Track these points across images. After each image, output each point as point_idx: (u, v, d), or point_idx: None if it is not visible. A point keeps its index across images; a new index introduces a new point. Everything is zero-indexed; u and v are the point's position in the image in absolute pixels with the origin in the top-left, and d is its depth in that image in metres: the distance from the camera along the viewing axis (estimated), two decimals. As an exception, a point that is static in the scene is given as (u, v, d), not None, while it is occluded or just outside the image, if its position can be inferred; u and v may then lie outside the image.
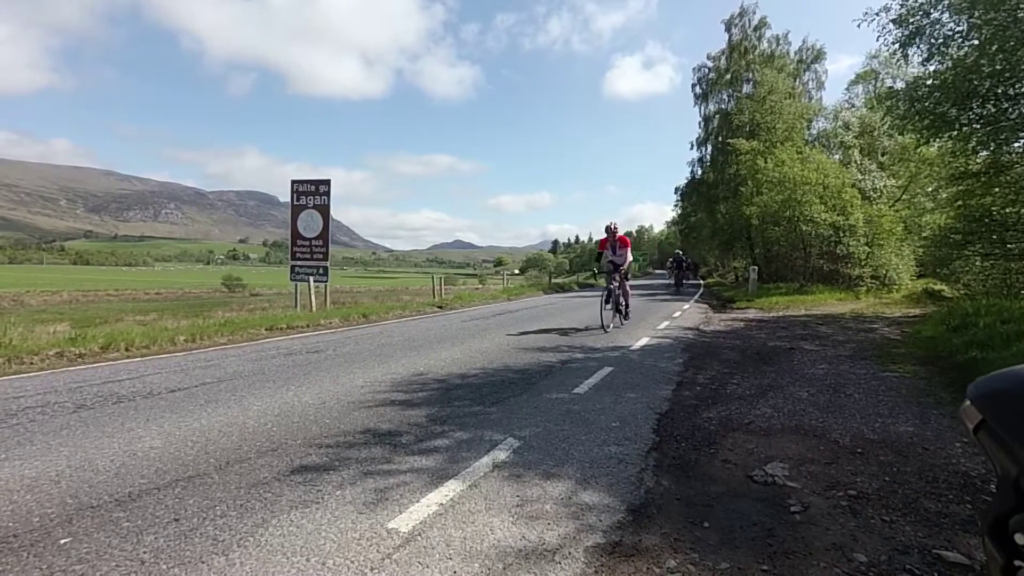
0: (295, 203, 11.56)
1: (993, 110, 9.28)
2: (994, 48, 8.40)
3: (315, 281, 11.39)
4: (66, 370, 5.20)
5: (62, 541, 1.93)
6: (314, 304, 11.23)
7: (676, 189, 36.19)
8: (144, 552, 1.86)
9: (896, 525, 2.17)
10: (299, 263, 11.55)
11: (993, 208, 10.57)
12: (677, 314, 12.15)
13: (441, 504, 2.29)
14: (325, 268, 11.51)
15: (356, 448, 3.00)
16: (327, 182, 11.57)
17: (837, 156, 23.36)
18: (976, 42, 8.79)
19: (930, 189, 19.80)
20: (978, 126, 9.66)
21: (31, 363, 5.43)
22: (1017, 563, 0.97)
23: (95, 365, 5.47)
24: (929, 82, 9.94)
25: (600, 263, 9.29)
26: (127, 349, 6.26)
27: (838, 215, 18.11)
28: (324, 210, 11.49)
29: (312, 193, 11.51)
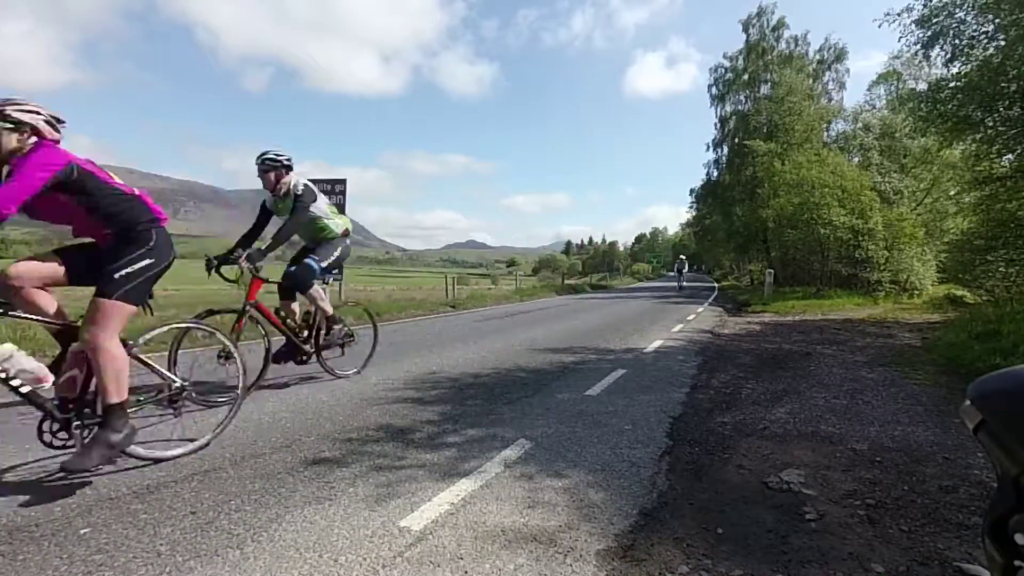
0: (311, 202, 11.66)
1: (1020, 112, 9.06)
2: (1021, 49, 8.21)
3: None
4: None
5: (82, 531, 1.97)
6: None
7: (691, 191, 35.95)
8: (161, 544, 1.90)
9: (915, 536, 2.13)
10: (314, 261, 11.64)
11: (1019, 213, 10.33)
12: (691, 317, 12.06)
13: (452, 503, 2.29)
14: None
15: (369, 445, 3.02)
16: (343, 181, 11.67)
17: (856, 159, 23.01)
18: (1002, 43, 8.59)
19: (952, 193, 19.41)
20: (1003, 128, 9.44)
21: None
22: (1017, 563, 0.96)
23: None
24: (952, 84, 9.74)
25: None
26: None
27: (857, 218, 17.83)
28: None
29: (328, 192, 11.60)
